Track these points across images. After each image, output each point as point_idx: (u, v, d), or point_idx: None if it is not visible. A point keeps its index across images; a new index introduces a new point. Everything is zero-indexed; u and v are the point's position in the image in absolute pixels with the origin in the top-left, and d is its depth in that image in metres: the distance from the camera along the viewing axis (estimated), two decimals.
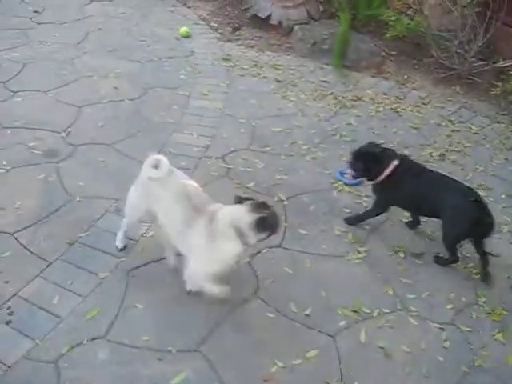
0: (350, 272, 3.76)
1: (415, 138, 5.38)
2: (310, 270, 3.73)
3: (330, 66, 6.56)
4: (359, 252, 3.90)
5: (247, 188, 4.39)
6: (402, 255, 3.93)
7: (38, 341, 3.10)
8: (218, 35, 7.31)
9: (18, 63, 6.09)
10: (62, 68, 6.08)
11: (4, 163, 4.47)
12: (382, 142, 5.07)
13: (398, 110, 5.84)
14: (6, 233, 3.81)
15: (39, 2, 7.97)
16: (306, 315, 3.41)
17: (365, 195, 4.41)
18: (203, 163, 4.66)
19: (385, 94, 6.13)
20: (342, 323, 3.38)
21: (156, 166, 3.19)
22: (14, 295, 3.36)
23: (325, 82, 6.23)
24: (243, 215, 2.94)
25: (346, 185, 4.54)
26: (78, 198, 4.14)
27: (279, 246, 3.88)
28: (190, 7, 8.26)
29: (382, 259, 3.88)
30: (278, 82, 6.13)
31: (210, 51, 6.78)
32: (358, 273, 3.76)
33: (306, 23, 7.21)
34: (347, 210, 4.27)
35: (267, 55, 6.78)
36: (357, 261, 3.83)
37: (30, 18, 7.37)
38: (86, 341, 3.13)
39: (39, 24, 7.24)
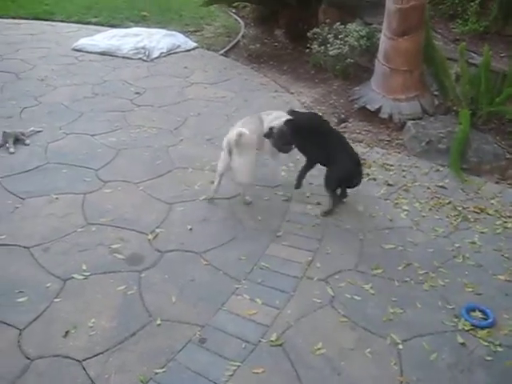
0: None
1: None
2: None
3: (446, 169, 5.82)
4: None
5: (354, 323, 3.69)
6: None
7: None
8: None
9: (113, 149, 5.85)
10: (156, 157, 5.75)
11: (84, 268, 4.06)
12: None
13: None
14: (74, 359, 3.30)
15: (141, 82, 7.91)
16: None
17: (499, 343, 3.57)
18: (304, 286, 4.00)
19: None
20: None
21: None
22: None
23: (441, 187, 5.46)
24: None
25: (474, 327, 3.73)
26: (158, 321, 3.59)
27: None
28: (292, 93, 7.89)
29: None
30: (389, 185, 5.42)
31: None
32: None
33: (420, 118, 6.56)
34: (478, 367, 3.40)
35: (376, 152, 6.13)
36: None
37: (131, 100, 7.25)
38: None
39: (139, 106, 7.08)
